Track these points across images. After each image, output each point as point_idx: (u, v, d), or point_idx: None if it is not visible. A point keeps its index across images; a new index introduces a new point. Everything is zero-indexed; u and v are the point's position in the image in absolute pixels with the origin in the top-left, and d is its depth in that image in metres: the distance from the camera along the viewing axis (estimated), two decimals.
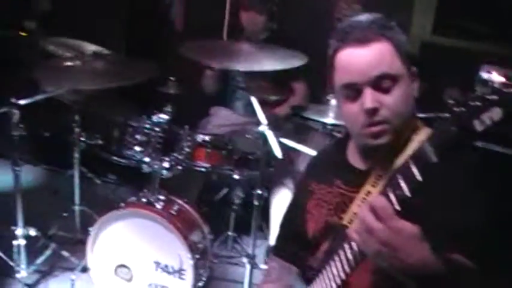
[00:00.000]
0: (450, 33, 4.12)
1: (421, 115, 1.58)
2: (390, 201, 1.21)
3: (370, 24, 1.49)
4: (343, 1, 4.38)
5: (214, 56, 3.08)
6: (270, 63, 3.01)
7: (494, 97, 1.05)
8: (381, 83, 1.45)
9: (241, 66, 3.02)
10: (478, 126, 1.05)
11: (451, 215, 1.34)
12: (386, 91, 1.45)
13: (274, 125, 2.83)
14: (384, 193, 1.23)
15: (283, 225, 2.02)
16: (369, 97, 1.44)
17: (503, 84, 1.06)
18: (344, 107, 1.54)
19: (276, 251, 2.01)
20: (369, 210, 1.21)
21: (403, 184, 1.20)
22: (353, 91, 1.49)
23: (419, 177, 1.17)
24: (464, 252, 1.33)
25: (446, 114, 1.11)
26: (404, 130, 1.50)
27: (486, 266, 1.33)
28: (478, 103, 1.06)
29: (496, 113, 1.04)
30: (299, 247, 1.84)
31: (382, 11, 1.56)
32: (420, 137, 1.52)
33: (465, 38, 4.09)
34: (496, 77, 3.61)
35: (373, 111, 1.45)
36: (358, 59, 1.47)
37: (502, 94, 1.05)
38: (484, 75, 3.61)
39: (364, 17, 1.52)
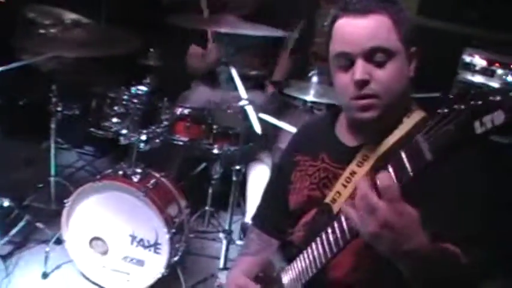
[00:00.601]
0: (435, 15, 4.10)
1: (415, 95, 1.56)
2: (404, 170, 1.13)
3: None
4: None
5: (199, 22, 3.04)
6: (253, 31, 3.01)
7: (498, 99, 0.97)
8: (375, 56, 1.43)
9: (226, 30, 3.01)
10: (478, 128, 0.98)
11: (439, 211, 1.28)
12: (379, 65, 1.43)
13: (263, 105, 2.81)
14: (397, 161, 1.14)
15: (265, 196, 1.99)
16: (360, 69, 1.42)
17: (506, 85, 1.00)
18: (336, 76, 1.52)
19: (256, 222, 1.98)
20: (372, 187, 1.15)
21: (393, 176, 1.14)
22: (346, 61, 1.47)
23: (410, 173, 1.11)
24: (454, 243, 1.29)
25: (445, 110, 1.04)
26: (395, 109, 1.48)
27: (474, 258, 1.30)
28: (480, 102, 0.99)
29: (499, 117, 0.96)
30: (280, 219, 1.82)
31: None
32: (412, 120, 1.51)
33: (449, 20, 4.08)
34: (478, 61, 3.61)
35: (362, 84, 1.43)
36: (353, 28, 1.45)
37: (507, 97, 0.97)
38: (467, 58, 3.64)
39: None
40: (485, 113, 0.97)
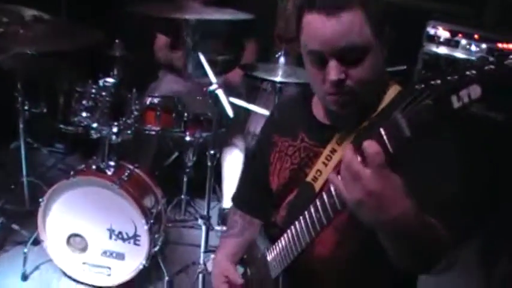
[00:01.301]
0: None
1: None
2: (384, 147, 1.11)
3: None
4: None
5: (163, 9, 3.02)
6: (218, 15, 3.02)
7: (473, 73, 0.96)
8: (348, 55, 1.37)
9: (191, 16, 2.99)
10: (455, 102, 0.98)
11: (420, 187, 1.23)
12: (353, 63, 1.38)
13: (228, 89, 2.80)
14: (377, 139, 1.11)
15: (244, 176, 2.00)
16: (334, 70, 1.38)
17: (482, 59, 0.99)
18: (309, 70, 1.48)
19: (237, 203, 1.98)
20: (356, 154, 1.13)
21: None
22: (318, 58, 1.41)
23: (390, 149, 1.09)
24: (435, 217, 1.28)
25: (422, 85, 1.02)
26: (373, 93, 1.46)
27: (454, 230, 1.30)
28: (456, 77, 0.98)
29: (475, 91, 0.96)
30: (262, 199, 1.82)
31: None
32: (389, 96, 1.49)
33: None
34: (442, 32, 3.66)
35: (337, 83, 1.39)
36: (324, 28, 1.37)
37: (482, 70, 0.96)
38: (431, 30, 3.68)
39: None
40: (461, 87, 0.97)
